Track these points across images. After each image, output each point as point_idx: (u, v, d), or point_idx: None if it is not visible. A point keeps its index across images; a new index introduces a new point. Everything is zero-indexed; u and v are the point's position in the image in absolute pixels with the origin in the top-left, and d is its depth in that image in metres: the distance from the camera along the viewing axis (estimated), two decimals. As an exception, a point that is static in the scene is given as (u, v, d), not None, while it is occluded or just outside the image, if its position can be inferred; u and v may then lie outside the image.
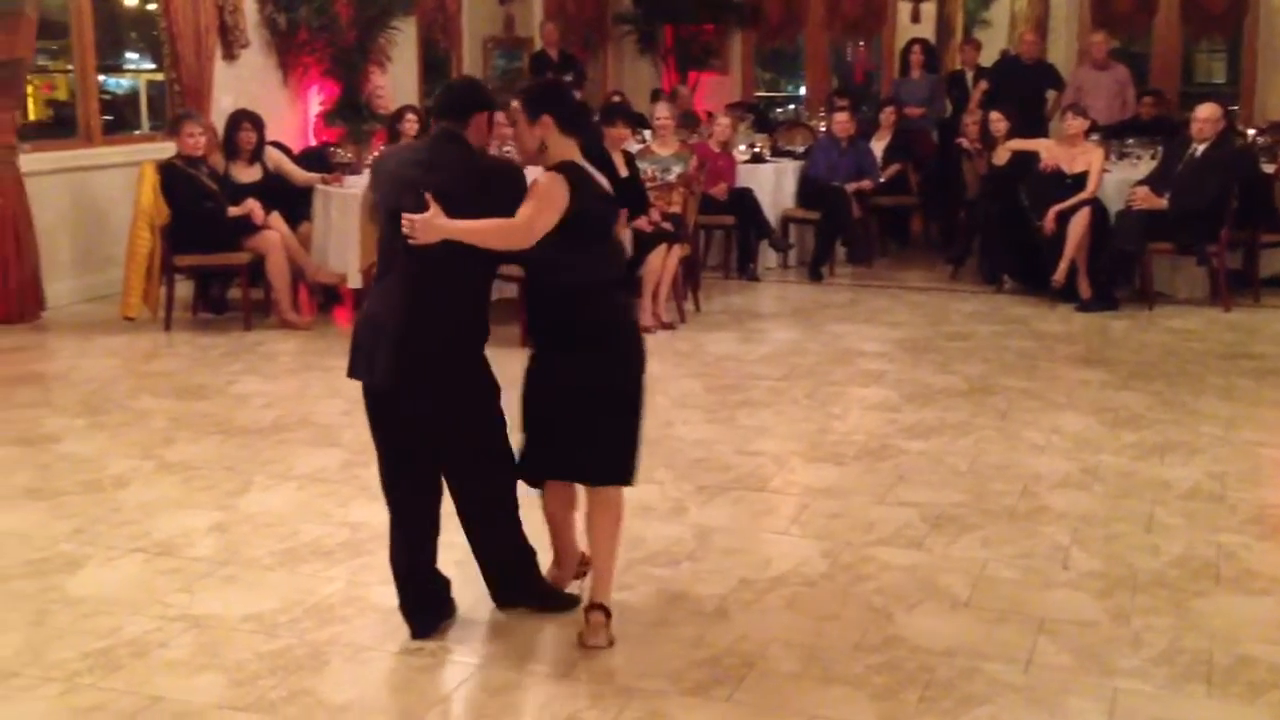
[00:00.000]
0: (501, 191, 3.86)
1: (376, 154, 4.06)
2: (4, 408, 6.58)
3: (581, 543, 4.19)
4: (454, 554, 4.64)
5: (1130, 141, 10.19)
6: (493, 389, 4.00)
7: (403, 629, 4.05)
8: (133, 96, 11.72)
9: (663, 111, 9.46)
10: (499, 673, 3.81)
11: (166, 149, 8.66)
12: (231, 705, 3.60)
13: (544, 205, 3.80)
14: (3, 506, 5.17)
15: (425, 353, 3.84)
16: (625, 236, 7.81)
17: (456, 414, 3.94)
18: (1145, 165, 9.63)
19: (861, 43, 12.54)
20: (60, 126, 10.36)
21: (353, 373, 3.95)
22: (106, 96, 10.83)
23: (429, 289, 3.84)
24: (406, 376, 3.84)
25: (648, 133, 10.12)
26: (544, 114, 3.91)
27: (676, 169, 9.00)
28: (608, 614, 3.94)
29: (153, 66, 11.44)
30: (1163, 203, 8.77)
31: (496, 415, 4.01)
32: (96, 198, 9.31)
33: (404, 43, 11.75)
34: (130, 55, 11.77)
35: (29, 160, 8.64)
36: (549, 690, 3.70)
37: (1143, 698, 3.64)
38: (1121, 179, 9.32)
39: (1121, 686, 3.69)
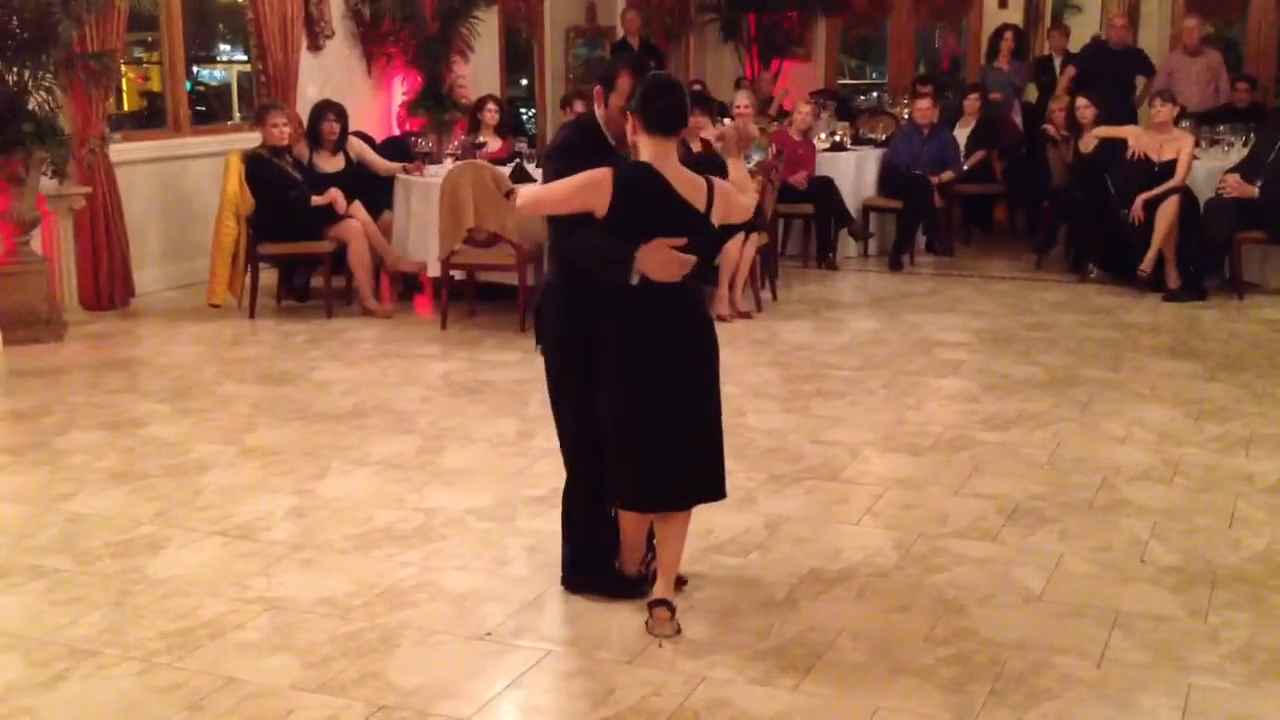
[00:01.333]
0: None
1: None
2: (93, 392, 6.74)
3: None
4: (526, 540, 4.69)
5: (1221, 128, 9.96)
6: None
7: (473, 613, 4.09)
8: (224, 87, 11.93)
9: (742, 100, 9.43)
10: (567, 659, 3.83)
11: (253, 139, 8.80)
12: (303, 686, 3.66)
13: (560, 186, 3.86)
14: (89, 489, 5.30)
15: None
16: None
17: None
18: (1236, 153, 9.41)
19: (947, 28, 12.36)
20: (154, 117, 10.57)
21: None
22: (200, 88, 11.05)
23: None
24: None
25: (727, 120, 10.08)
26: (631, 113, 3.88)
27: (756, 157, 8.96)
28: (673, 609, 3.94)
29: (243, 58, 11.64)
30: (1254, 190, 8.57)
31: None
32: (185, 187, 9.49)
33: (486, 33, 11.82)
34: (223, 47, 11.98)
35: (120, 150, 8.82)
36: (616, 676, 3.72)
37: (1219, 694, 3.57)
38: (1212, 166, 9.12)
39: (1197, 683, 3.62)
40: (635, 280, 3.76)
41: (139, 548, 4.67)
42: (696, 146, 8.21)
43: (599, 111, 4.04)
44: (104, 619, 4.09)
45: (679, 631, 3.92)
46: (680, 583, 4.15)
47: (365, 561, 4.54)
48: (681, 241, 3.76)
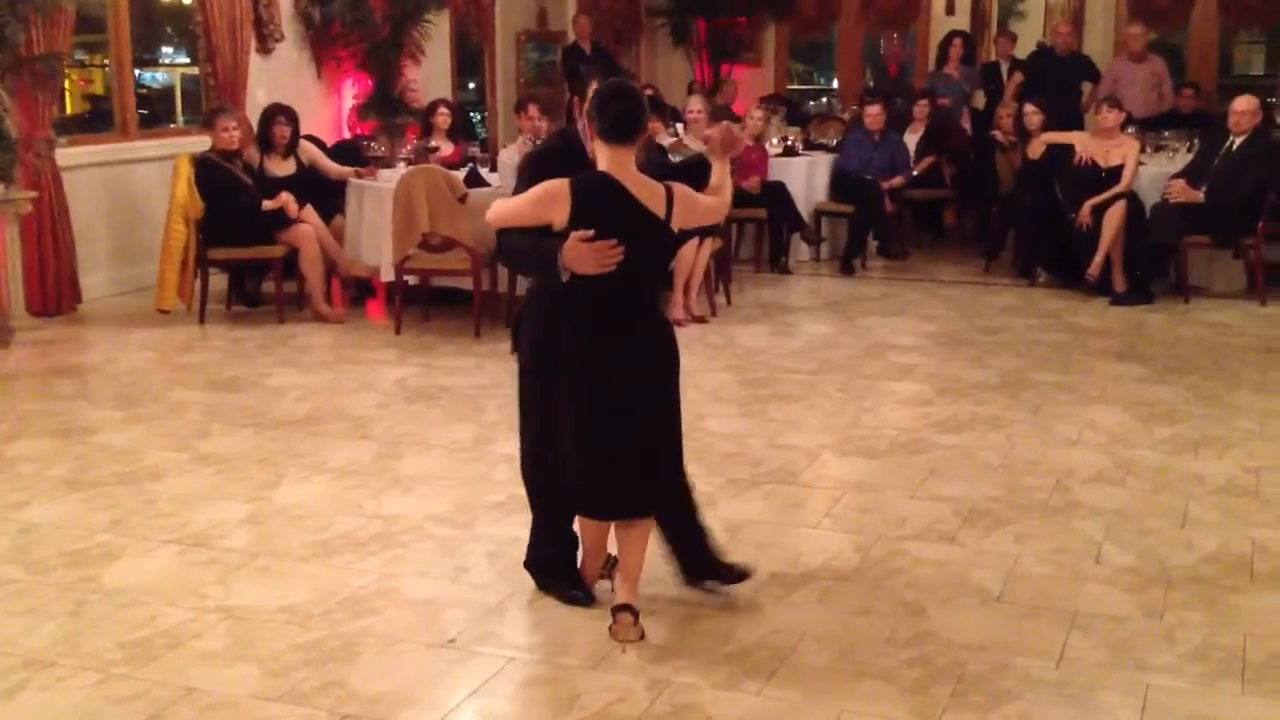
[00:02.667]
0: None
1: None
2: (42, 400, 6.65)
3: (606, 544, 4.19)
4: (487, 546, 4.68)
5: (1166, 134, 10.11)
6: None
7: (434, 620, 4.08)
8: (167, 91, 11.81)
9: (695, 104, 9.46)
10: (530, 666, 3.82)
11: (202, 143, 8.72)
12: (265, 696, 3.63)
13: (518, 200, 3.90)
14: (41, 498, 5.23)
15: None
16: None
17: None
18: (1181, 158, 9.55)
19: (895, 35, 12.45)
20: (97, 121, 10.45)
21: None
22: (142, 91, 10.92)
23: None
24: None
25: (680, 125, 10.11)
26: (589, 121, 3.88)
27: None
28: (635, 614, 3.94)
29: (187, 60, 11.52)
30: (1199, 196, 8.70)
31: None
32: (132, 191, 9.38)
33: (437, 37, 11.78)
34: (165, 50, 11.86)
35: (66, 154, 8.71)
36: (580, 682, 3.71)
37: (1176, 694, 3.62)
38: (1157, 172, 9.25)
39: (1154, 683, 3.67)
40: (565, 278, 3.77)
41: (93, 557, 4.61)
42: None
43: (579, 123, 4.02)
44: (60, 629, 4.04)
45: (643, 636, 3.92)
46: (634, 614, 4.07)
47: (324, 569, 4.51)
48: (609, 243, 3.76)
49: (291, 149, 8.76)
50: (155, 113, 11.15)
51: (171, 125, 10.70)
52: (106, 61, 9.80)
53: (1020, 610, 4.14)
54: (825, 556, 4.57)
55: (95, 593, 4.31)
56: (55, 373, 7.23)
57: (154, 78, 11.66)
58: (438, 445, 5.87)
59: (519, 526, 4.85)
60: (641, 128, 3.89)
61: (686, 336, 7.67)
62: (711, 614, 4.12)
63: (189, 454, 5.77)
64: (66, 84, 9.80)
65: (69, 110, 10.43)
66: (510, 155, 7.79)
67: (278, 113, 8.74)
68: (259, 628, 4.05)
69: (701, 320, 8.35)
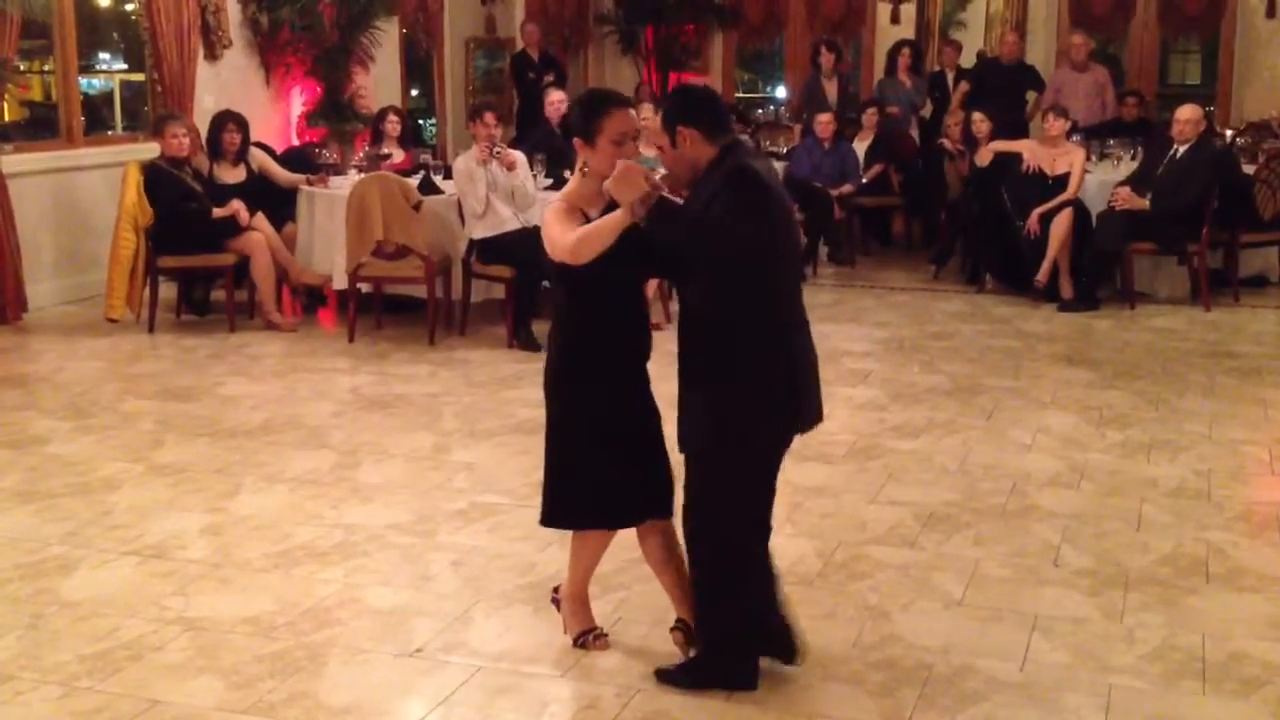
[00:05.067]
0: None
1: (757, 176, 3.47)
2: (-11, 410, 6.55)
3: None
4: (449, 555, 4.66)
5: (1111, 142, 10.26)
6: None
7: (400, 630, 4.06)
8: (106, 97, 11.66)
9: (646, 112, 9.46)
10: (498, 674, 3.81)
11: (149, 150, 8.63)
12: (231, 708, 3.60)
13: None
14: (-8, 509, 5.15)
15: None
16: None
17: None
18: (1126, 166, 9.70)
19: (837, 55, 12.44)
20: (35, 127, 10.30)
21: (803, 423, 3.68)
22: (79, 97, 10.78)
23: None
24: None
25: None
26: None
27: (661, 170, 8.98)
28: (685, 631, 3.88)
29: (125, 67, 11.39)
30: (1144, 203, 8.83)
31: None
32: (78, 199, 9.26)
33: (386, 43, 11.71)
34: (103, 56, 11.72)
35: (10, 161, 8.59)
36: (550, 690, 3.71)
37: (1138, 694, 3.67)
38: (1103, 180, 9.38)
39: (1117, 683, 3.72)
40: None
41: (50, 569, 4.55)
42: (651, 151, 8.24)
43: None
44: (18, 643, 3.98)
45: (606, 646, 3.91)
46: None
47: (286, 579, 4.47)
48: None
49: (242, 156, 8.68)
50: (94, 119, 11.00)
51: (110, 133, 10.53)
52: (46, 67, 9.65)
53: (983, 613, 4.19)
54: (788, 562, 4.57)
55: (53, 605, 4.26)
56: (2, 382, 7.12)
57: (91, 84, 11.50)
58: (396, 454, 5.84)
59: (481, 535, 4.87)
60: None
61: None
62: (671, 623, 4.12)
63: (143, 464, 5.71)
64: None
65: (6, 116, 10.27)
66: (466, 163, 7.76)
67: (228, 120, 8.65)
68: (222, 639, 4.01)
69: (657, 328, 8.27)
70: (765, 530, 3.72)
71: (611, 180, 3.53)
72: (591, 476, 3.75)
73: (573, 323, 3.76)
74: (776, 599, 3.76)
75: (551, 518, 3.85)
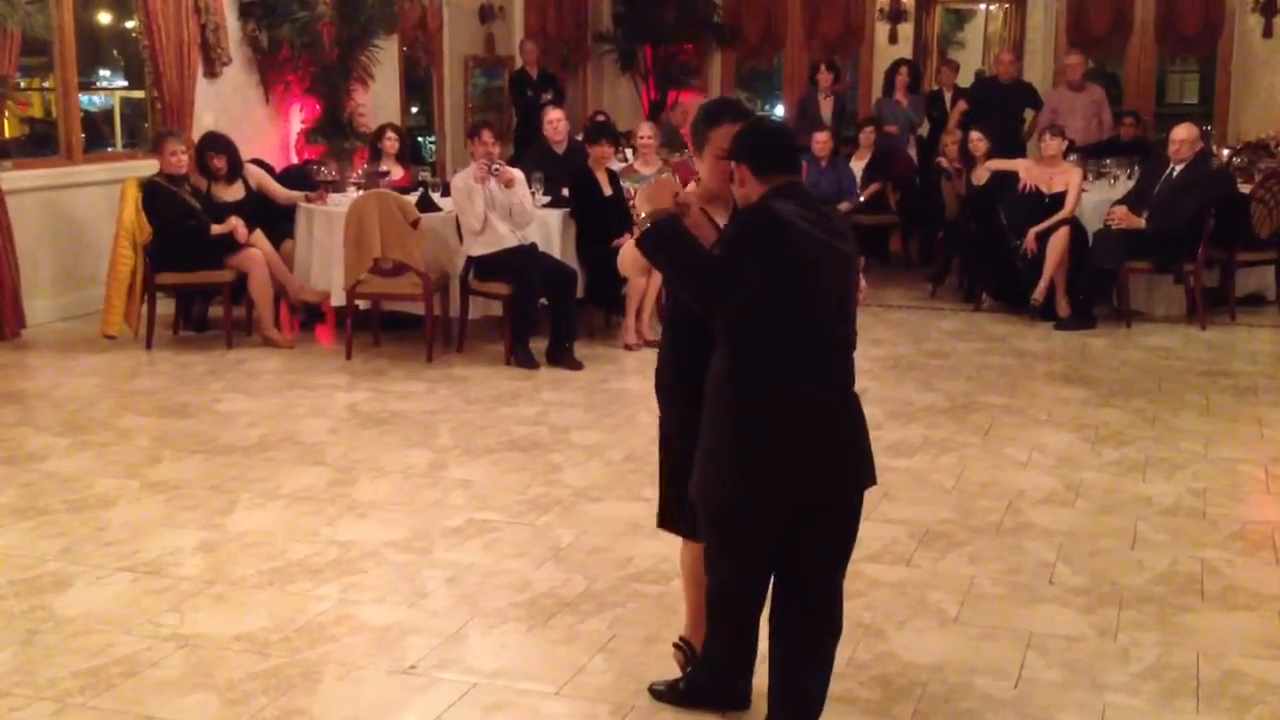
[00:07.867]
0: None
1: (768, 214, 3.21)
2: (-14, 426, 6.55)
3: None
4: (445, 572, 4.66)
5: (1108, 162, 10.28)
6: None
7: (394, 646, 4.06)
8: (106, 114, 11.69)
9: (645, 130, 9.50)
10: (492, 691, 3.81)
11: (148, 167, 8.65)
12: (225, 724, 3.60)
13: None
14: (-12, 525, 5.15)
15: (865, 446, 3.46)
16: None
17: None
18: (1122, 185, 9.72)
19: (835, 75, 12.50)
20: (35, 144, 10.32)
21: (782, 492, 3.28)
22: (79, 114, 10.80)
23: (850, 369, 3.44)
24: (854, 479, 3.46)
25: (629, 151, 10.16)
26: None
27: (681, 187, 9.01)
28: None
29: (125, 84, 11.42)
30: (1141, 222, 8.85)
31: None
32: (77, 216, 9.28)
33: (385, 61, 11.76)
34: (103, 73, 11.75)
35: (9, 178, 8.61)
36: (543, 707, 3.71)
37: (1132, 713, 3.67)
38: (1099, 199, 9.40)
39: (1111, 702, 3.72)
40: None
41: (45, 585, 4.55)
42: (602, 176, 8.30)
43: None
44: (13, 659, 3.98)
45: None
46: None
47: (281, 596, 4.47)
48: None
49: (237, 174, 8.68)
50: (93, 136, 11.03)
51: (110, 149, 10.56)
52: (46, 84, 9.67)
53: (977, 631, 4.19)
54: (783, 579, 4.59)
55: (48, 621, 4.25)
56: (-1, 399, 7.13)
57: (91, 101, 11.53)
58: (392, 470, 5.84)
59: (476, 551, 4.87)
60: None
61: (639, 361, 7.72)
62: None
63: (139, 481, 5.71)
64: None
65: (6, 133, 10.30)
66: (464, 180, 7.79)
67: (206, 147, 8.56)
68: (216, 656, 4.01)
69: (654, 345, 8.33)
70: (748, 603, 3.50)
71: (641, 190, 3.47)
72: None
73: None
74: (748, 669, 3.67)
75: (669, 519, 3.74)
